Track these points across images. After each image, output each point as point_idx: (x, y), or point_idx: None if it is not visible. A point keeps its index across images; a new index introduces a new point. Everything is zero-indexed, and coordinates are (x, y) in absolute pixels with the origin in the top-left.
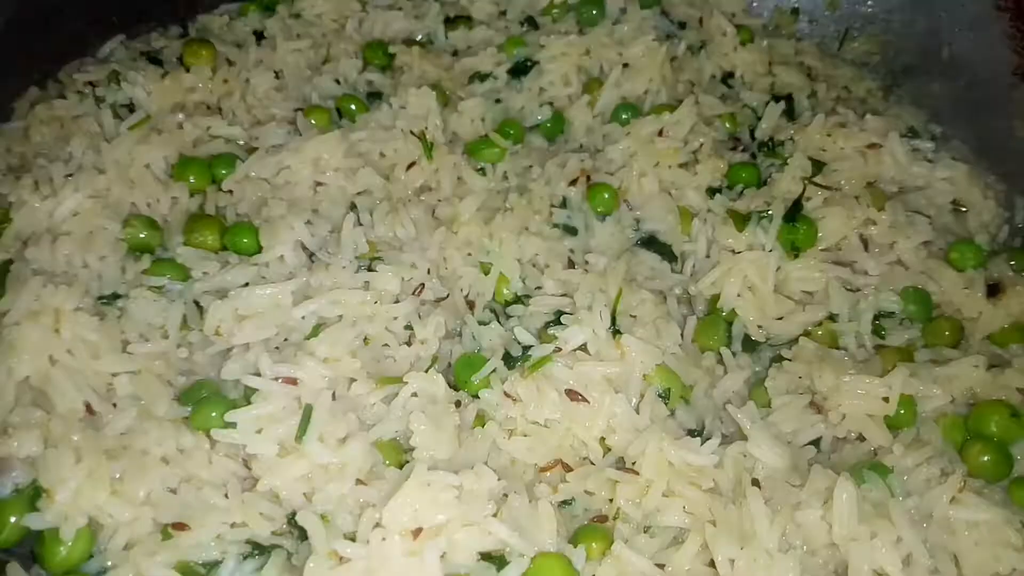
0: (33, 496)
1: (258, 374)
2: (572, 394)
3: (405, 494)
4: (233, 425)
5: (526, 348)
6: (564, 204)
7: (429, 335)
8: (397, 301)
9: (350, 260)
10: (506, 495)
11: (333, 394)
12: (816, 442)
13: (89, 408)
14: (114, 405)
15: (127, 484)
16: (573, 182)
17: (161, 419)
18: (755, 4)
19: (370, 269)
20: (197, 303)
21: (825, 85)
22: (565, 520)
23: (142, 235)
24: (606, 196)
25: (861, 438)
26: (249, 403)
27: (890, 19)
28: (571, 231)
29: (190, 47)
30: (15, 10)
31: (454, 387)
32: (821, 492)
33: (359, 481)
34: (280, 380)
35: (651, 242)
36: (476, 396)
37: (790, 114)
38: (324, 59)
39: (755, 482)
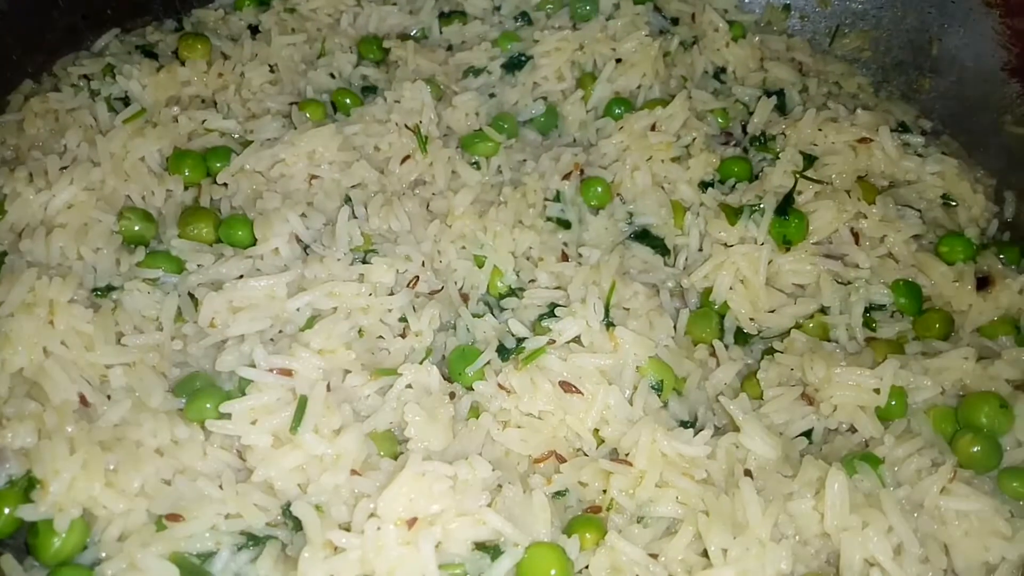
0: (27, 487)
1: (252, 365)
2: (566, 386)
3: (400, 484)
4: (228, 416)
5: (520, 340)
6: (557, 198)
7: (423, 327)
8: (391, 293)
9: (344, 252)
10: (500, 486)
11: (328, 385)
12: (808, 433)
13: (83, 399)
14: (108, 397)
15: (121, 475)
16: (566, 176)
17: (155, 411)
18: (747, 0)
19: (365, 261)
20: (191, 295)
21: (816, 81)
22: (559, 511)
23: (137, 227)
24: (599, 190)
25: (852, 429)
26: (243, 394)
27: (880, 15)
28: (564, 224)
29: (185, 41)
30: (9, 3)
31: (448, 379)
32: (813, 482)
33: (354, 471)
34: (275, 371)
35: (644, 235)
36: (470, 388)
37: (781, 109)
38: (319, 53)
39: (747, 472)
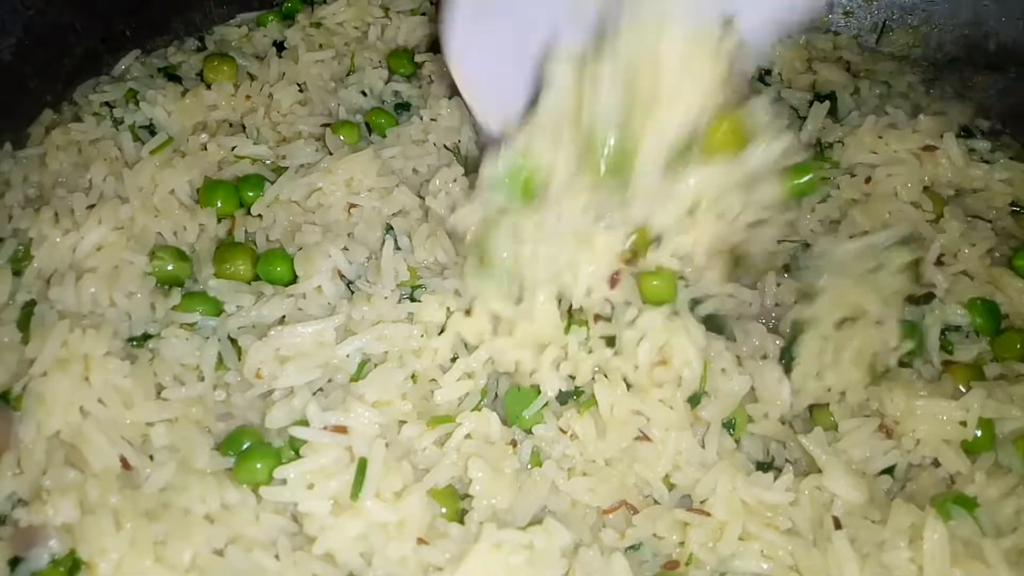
0: (72, 568)
1: (304, 421)
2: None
3: (475, 558)
4: (282, 481)
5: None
6: None
7: (477, 367)
8: (442, 331)
9: (391, 289)
10: (576, 547)
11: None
12: (889, 469)
13: (125, 463)
14: (151, 458)
15: (171, 548)
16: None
17: (202, 472)
18: None
19: (412, 299)
20: (232, 339)
21: (868, 82)
22: (634, 567)
23: (170, 267)
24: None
25: (936, 463)
26: (295, 451)
27: (931, 9)
28: None
29: (210, 63)
30: (24, 29)
31: (505, 421)
32: (905, 530)
33: (420, 540)
34: (329, 428)
35: None
36: (529, 432)
37: (832, 113)
38: (348, 70)
39: (836, 522)
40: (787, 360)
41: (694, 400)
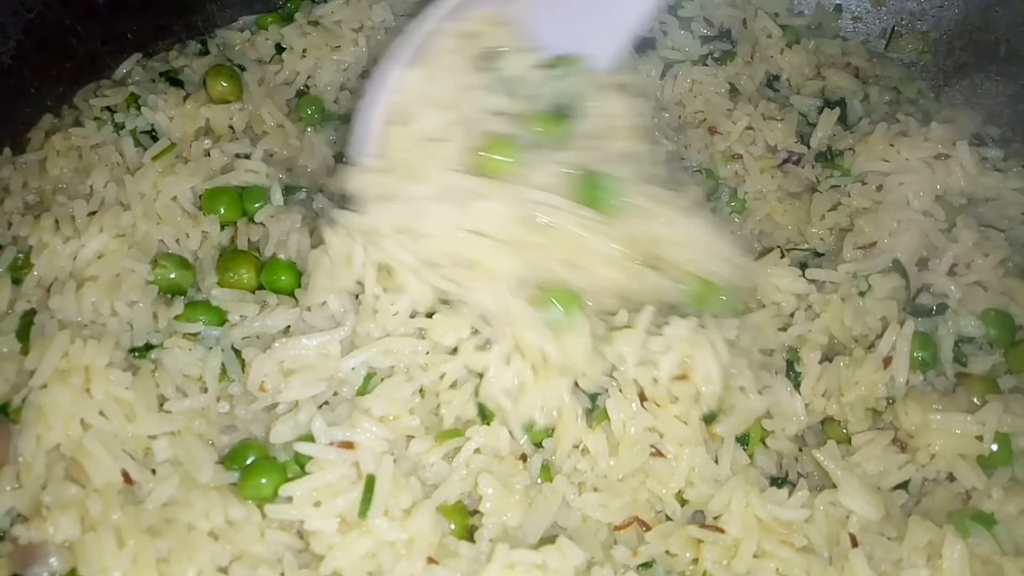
0: None
1: (310, 436)
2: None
3: None
4: (288, 499)
5: (593, 397)
6: None
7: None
8: (455, 351)
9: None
10: (589, 565)
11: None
12: (903, 484)
13: (127, 477)
14: (153, 472)
15: (174, 565)
16: None
17: (205, 487)
18: (796, 1)
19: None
20: (236, 350)
21: (878, 88)
22: None
23: (172, 275)
24: None
25: (951, 478)
26: (300, 466)
27: (941, 15)
28: None
29: (212, 78)
30: (24, 31)
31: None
32: (923, 548)
33: (431, 560)
34: (335, 444)
35: None
36: (539, 445)
37: (842, 120)
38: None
39: (853, 539)
40: (793, 375)
41: (709, 417)
